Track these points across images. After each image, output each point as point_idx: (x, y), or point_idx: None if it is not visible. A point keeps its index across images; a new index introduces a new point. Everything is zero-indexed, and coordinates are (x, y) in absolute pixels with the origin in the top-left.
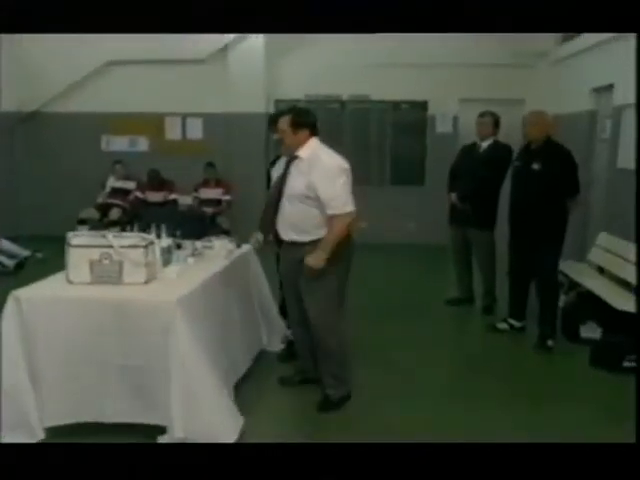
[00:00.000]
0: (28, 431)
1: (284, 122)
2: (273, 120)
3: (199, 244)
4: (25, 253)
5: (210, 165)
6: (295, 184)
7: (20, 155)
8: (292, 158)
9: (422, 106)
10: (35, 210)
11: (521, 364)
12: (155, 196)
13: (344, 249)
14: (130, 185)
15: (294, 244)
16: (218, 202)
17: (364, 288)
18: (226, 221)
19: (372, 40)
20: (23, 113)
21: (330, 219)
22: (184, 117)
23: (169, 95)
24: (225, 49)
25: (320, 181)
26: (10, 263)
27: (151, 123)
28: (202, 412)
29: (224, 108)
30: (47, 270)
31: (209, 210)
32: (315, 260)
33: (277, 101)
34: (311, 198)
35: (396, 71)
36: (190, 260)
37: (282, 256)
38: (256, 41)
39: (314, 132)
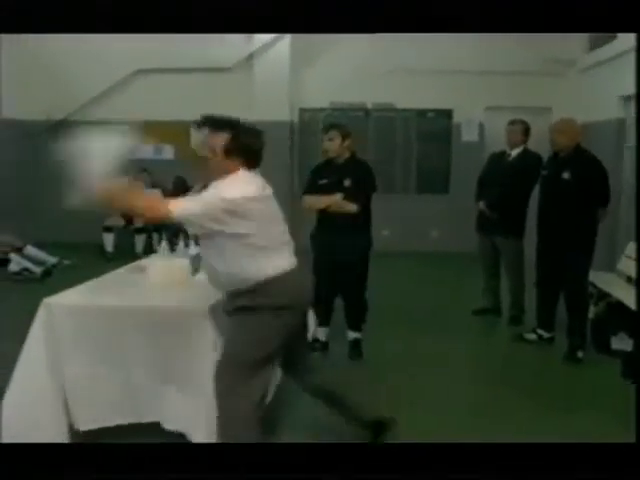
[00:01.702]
0: (53, 433)
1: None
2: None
3: None
4: (52, 260)
5: None
6: None
7: (46, 162)
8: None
9: (447, 114)
10: (59, 217)
11: (550, 375)
12: None
13: (275, 310)
14: (156, 193)
15: None
16: None
17: (387, 296)
18: None
19: (397, 48)
20: (51, 121)
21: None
22: None
23: (195, 103)
24: (251, 57)
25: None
26: (37, 270)
27: (177, 131)
28: None
29: (249, 116)
30: (75, 277)
31: None
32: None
33: (301, 109)
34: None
35: (421, 79)
36: None
37: None
38: (282, 49)
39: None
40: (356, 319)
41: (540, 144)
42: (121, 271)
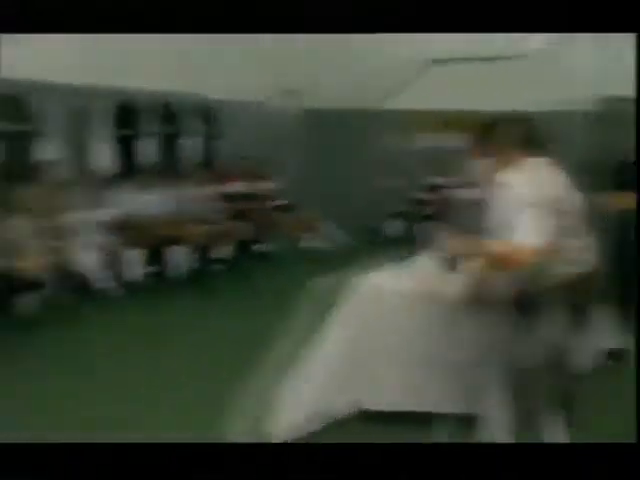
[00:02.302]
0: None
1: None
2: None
3: None
4: (345, 239)
5: None
6: None
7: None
8: None
9: None
10: (348, 200)
11: None
12: (468, 193)
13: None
14: (444, 181)
15: None
16: None
17: None
18: None
19: None
20: (351, 111)
21: None
22: None
23: (486, 92)
24: (554, 44)
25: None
26: (329, 248)
27: (469, 121)
28: None
29: (550, 106)
30: (359, 259)
31: None
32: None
33: (604, 99)
34: None
35: None
36: None
37: None
38: (586, 36)
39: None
40: None
41: None
42: (423, 256)
